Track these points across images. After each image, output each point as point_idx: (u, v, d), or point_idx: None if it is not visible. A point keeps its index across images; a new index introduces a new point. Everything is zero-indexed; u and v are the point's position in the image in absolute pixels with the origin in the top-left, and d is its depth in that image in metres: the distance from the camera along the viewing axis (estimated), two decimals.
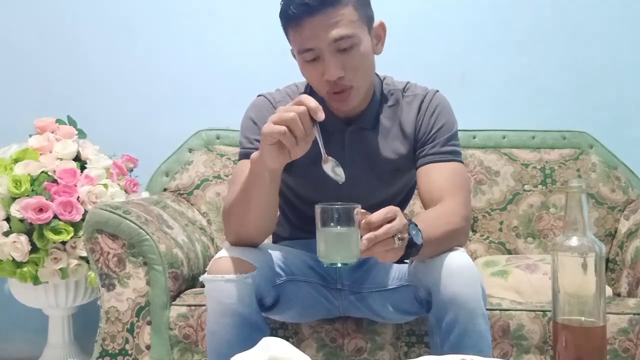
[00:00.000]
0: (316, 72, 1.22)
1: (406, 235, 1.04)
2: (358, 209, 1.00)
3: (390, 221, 1.01)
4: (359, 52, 1.21)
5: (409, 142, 1.35)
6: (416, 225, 1.09)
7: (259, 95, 1.40)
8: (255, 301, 1.19)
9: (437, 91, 1.38)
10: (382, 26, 1.28)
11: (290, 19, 1.19)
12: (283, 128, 1.05)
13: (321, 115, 1.06)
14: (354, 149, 1.34)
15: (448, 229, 1.18)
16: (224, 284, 1.17)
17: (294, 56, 1.28)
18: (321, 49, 1.18)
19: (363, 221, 1.00)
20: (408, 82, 1.40)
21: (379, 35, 1.28)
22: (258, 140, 1.29)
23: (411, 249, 1.07)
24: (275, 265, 1.27)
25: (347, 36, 1.18)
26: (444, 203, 1.23)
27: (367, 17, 1.23)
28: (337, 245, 1.02)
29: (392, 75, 1.42)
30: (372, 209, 1.03)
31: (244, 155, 1.31)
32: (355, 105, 1.30)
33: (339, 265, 1.03)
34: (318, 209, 1.02)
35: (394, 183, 1.39)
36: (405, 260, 1.11)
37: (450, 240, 1.20)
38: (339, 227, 1.00)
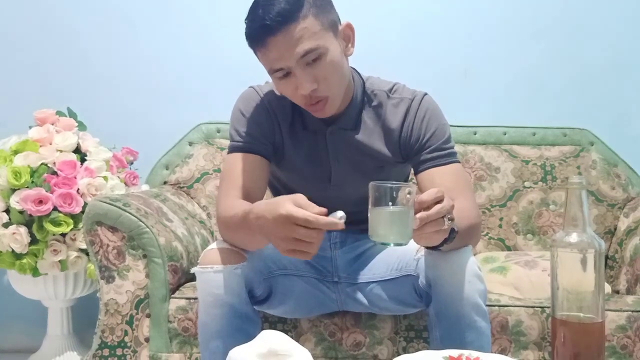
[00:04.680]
0: (290, 87, 1.22)
1: (453, 217, 1.03)
2: (413, 189, 0.97)
3: (439, 201, 1.00)
4: (327, 61, 1.19)
5: (394, 143, 1.34)
6: None
7: (249, 87, 1.39)
8: (245, 292, 1.19)
9: (426, 94, 1.35)
10: (349, 27, 1.26)
11: (254, 40, 1.19)
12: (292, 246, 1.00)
13: (341, 226, 0.97)
14: (336, 148, 1.34)
15: (470, 223, 1.19)
16: (213, 274, 1.17)
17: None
18: (290, 66, 1.18)
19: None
20: (396, 84, 1.38)
21: (347, 37, 1.26)
22: (247, 134, 1.30)
23: (449, 235, 1.06)
24: (268, 259, 1.27)
25: (312, 49, 1.16)
26: (457, 202, 1.23)
27: (330, 22, 1.20)
28: (390, 225, 0.98)
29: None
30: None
31: (234, 149, 1.31)
32: (334, 111, 1.29)
33: (392, 245, 0.98)
34: (372, 187, 0.98)
35: (381, 179, 1.37)
36: (439, 247, 1.10)
37: (471, 235, 1.20)
38: (392, 206, 0.96)
